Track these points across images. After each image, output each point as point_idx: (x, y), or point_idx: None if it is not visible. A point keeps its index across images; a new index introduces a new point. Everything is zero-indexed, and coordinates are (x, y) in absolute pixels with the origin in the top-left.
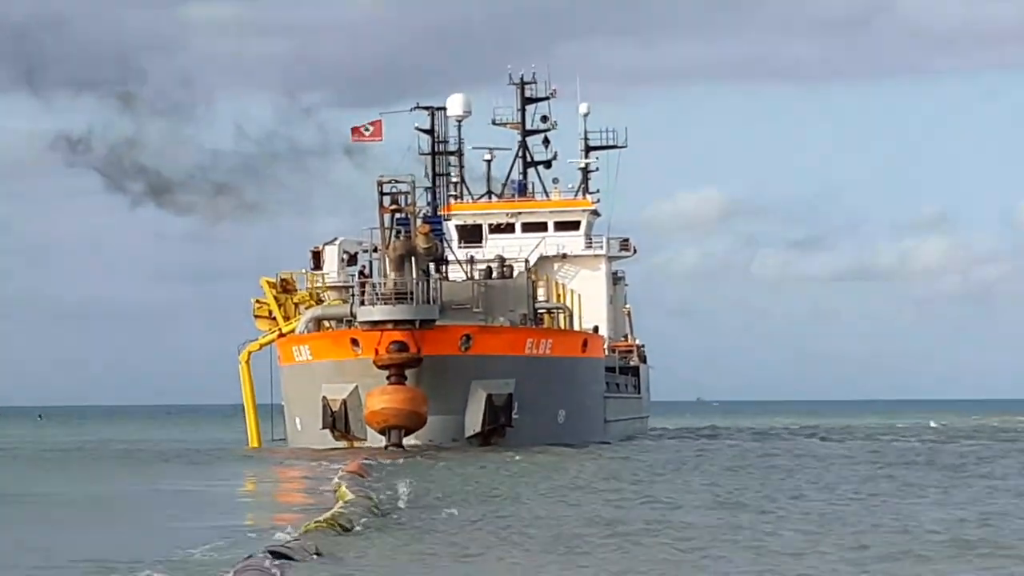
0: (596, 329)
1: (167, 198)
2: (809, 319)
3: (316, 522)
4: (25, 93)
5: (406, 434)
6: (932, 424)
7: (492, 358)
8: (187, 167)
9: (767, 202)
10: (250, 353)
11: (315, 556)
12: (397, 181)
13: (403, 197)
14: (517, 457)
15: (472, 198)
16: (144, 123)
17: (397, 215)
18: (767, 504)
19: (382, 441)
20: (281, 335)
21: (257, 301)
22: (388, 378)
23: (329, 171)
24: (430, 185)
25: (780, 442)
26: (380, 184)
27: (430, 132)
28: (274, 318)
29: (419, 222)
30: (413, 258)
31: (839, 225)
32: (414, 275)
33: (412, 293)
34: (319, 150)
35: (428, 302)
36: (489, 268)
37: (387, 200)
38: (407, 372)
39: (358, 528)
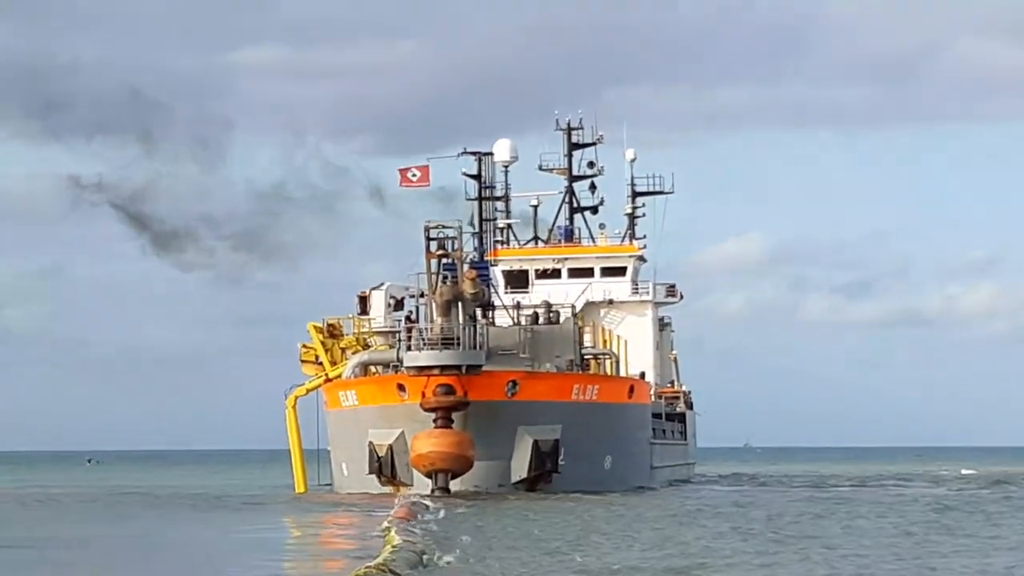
0: (643, 375)
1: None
2: (855, 365)
3: (366, 567)
4: (66, 140)
5: (453, 477)
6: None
7: (539, 404)
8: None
9: (814, 247)
10: (297, 398)
11: None
12: (444, 226)
13: (450, 242)
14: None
15: (518, 244)
16: (178, 169)
17: (444, 260)
18: None
19: (429, 486)
20: (328, 380)
21: (304, 346)
22: (435, 421)
23: (363, 215)
24: (477, 231)
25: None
26: (427, 229)
27: (477, 177)
28: (321, 363)
29: (466, 267)
30: (460, 303)
31: (887, 270)
32: (461, 320)
33: (459, 338)
34: (355, 195)
35: (475, 347)
36: (536, 314)
37: (434, 245)
38: (454, 416)
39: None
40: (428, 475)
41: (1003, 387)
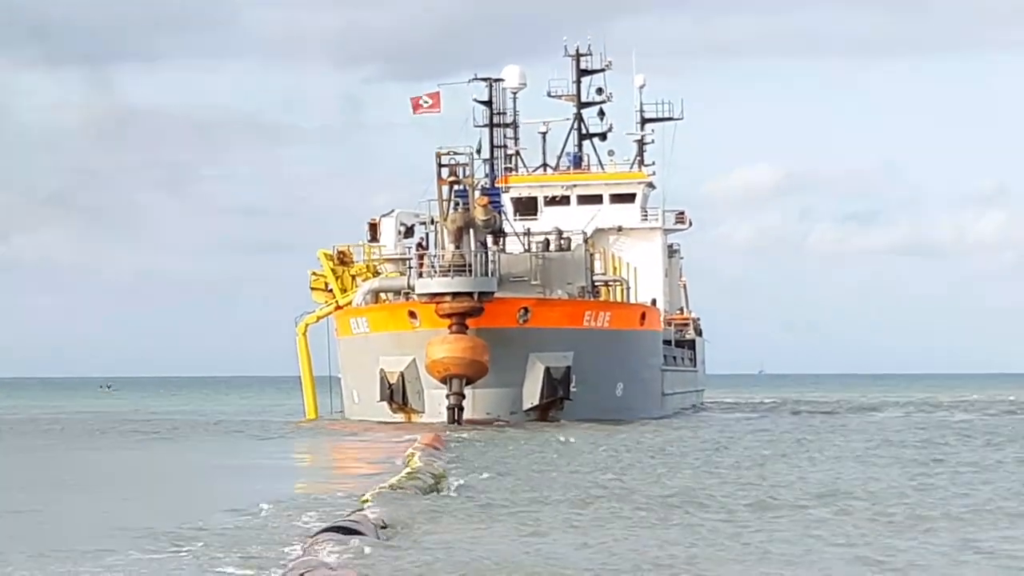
0: (653, 302)
1: None
2: (864, 292)
3: (380, 487)
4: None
5: (468, 383)
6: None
7: (550, 331)
8: None
9: (823, 176)
10: (307, 325)
11: (381, 529)
12: (456, 152)
13: (461, 169)
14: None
15: (527, 170)
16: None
17: (455, 187)
18: None
19: (441, 414)
20: (338, 307)
21: (314, 273)
22: (450, 327)
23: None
24: (488, 157)
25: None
26: (439, 156)
27: (488, 104)
28: (331, 290)
29: (477, 194)
30: (472, 230)
31: (896, 199)
32: (472, 247)
33: (470, 265)
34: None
35: (486, 274)
36: (547, 240)
37: (445, 172)
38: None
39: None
40: (443, 381)
41: (1011, 316)
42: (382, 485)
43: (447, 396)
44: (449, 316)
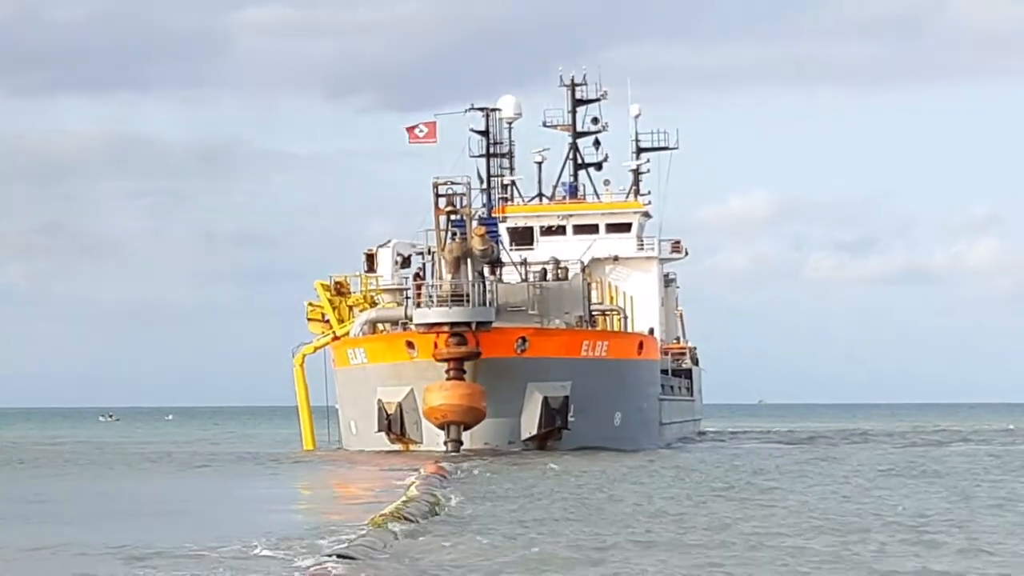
0: (651, 331)
1: None
2: (860, 321)
3: (381, 515)
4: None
5: (465, 429)
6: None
7: (548, 360)
8: None
9: (818, 204)
10: (304, 356)
11: (383, 554)
12: (453, 182)
13: (459, 199)
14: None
15: (523, 200)
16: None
17: (452, 217)
18: None
19: (439, 444)
20: (336, 338)
21: (310, 304)
22: (447, 372)
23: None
24: (484, 187)
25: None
26: (436, 185)
27: (485, 133)
28: (327, 321)
29: (475, 223)
30: (469, 260)
31: (890, 227)
32: (470, 277)
33: (468, 295)
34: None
35: (484, 304)
36: (544, 270)
37: (443, 202)
38: (465, 368)
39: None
40: (440, 427)
41: (1007, 343)
42: (381, 513)
43: (444, 443)
44: (447, 360)
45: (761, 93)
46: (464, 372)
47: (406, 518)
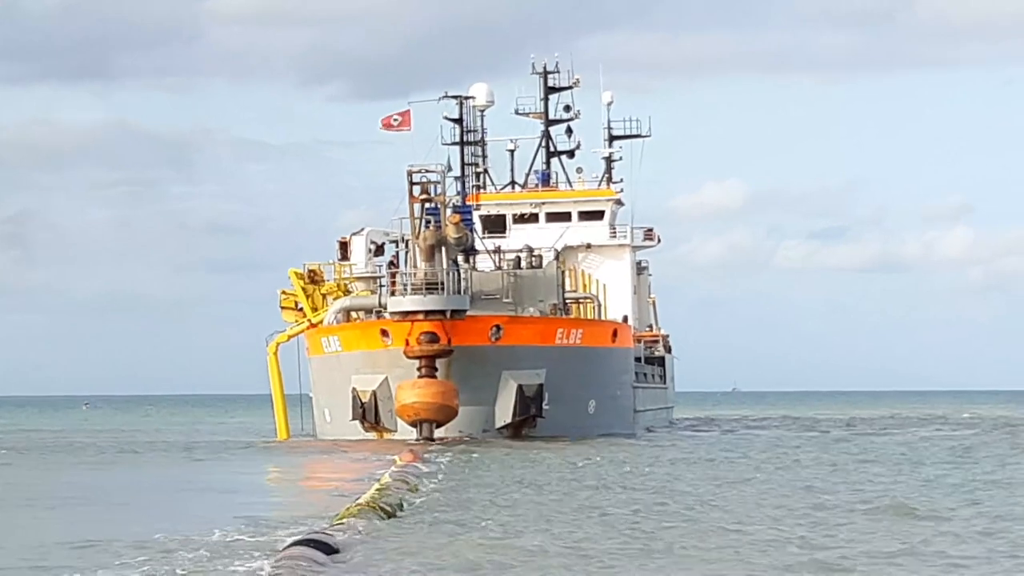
0: (625, 319)
1: None
2: (831, 310)
3: (357, 504)
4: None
5: (437, 427)
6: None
7: (523, 348)
8: None
9: (791, 193)
10: (278, 344)
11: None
12: (427, 170)
13: (433, 187)
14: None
15: (495, 188)
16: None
17: (427, 205)
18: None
19: (413, 433)
20: (311, 326)
21: (283, 292)
22: (419, 370)
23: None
24: (458, 175)
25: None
26: (410, 173)
27: (459, 121)
28: (300, 309)
29: (449, 212)
30: (443, 248)
31: (863, 216)
32: (444, 265)
33: (443, 283)
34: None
35: (459, 292)
36: (518, 258)
37: (417, 190)
38: (438, 364)
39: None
40: (412, 424)
41: (977, 332)
42: (357, 502)
43: (416, 441)
44: (418, 358)
45: (734, 82)
46: (436, 370)
47: (381, 507)
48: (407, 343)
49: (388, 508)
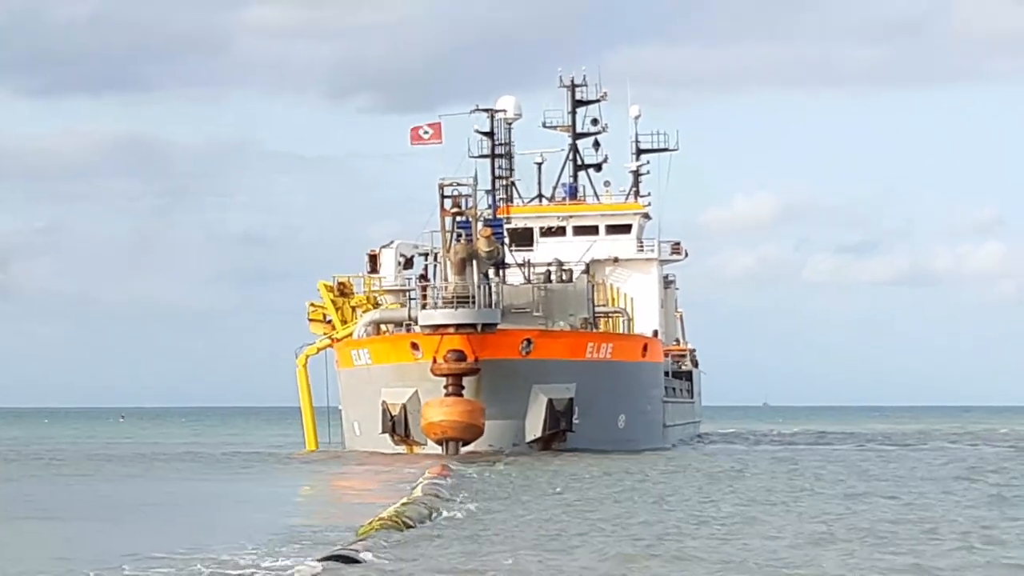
0: (655, 333)
1: None
2: (861, 324)
3: (379, 519)
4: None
5: (463, 445)
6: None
7: (553, 362)
8: None
9: (820, 206)
10: (308, 357)
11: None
12: (459, 184)
13: (464, 200)
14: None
15: (523, 201)
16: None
17: (458, 218)
18: None
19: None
20: (334, 341)
21: (312, 304)
22: (445, 387)
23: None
24: (489, 188)
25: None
26: (441, 187)
27: (490, 134)
28: (329, 322)
29: (480, 225)
30: (475, 262)
31: (893, 230)
32: (475, 279)
33: (474, 297)
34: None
35: (490, 306)
36: (548, 272)
37: (448, 203)
38: (465, 382)
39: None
40: (438, 443)
41: (1009, 347)
42: (380, 517)
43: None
44: (445, 375)
45: (763, 95)
46: (463, 388)
47: (404, 521)
48: (434, 360)
49: (410, 521)
